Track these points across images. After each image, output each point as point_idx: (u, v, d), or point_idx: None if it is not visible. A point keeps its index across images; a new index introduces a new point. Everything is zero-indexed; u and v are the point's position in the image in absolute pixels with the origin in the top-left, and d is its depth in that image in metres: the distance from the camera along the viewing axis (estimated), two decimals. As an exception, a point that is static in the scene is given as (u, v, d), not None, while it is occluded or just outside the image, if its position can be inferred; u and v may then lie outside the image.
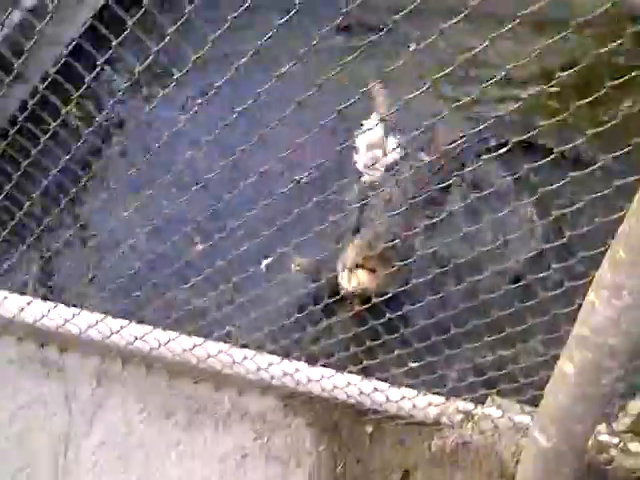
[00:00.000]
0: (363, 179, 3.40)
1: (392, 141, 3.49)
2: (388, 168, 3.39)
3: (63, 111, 1.69)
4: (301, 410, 2.64)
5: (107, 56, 1.51)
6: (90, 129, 1.74)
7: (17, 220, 2.23)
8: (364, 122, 3.54)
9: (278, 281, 2.02)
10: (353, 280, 2.90)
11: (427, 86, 1.25)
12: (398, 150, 3.38)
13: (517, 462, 2.11)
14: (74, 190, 1.95)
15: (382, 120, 3.39)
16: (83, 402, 2.79)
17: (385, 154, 3.43)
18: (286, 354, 2.44)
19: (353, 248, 2.94)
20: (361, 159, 3.51)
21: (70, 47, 3.82)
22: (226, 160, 1.58)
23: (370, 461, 2.50)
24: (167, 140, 1.56)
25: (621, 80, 1.26)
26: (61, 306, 2.67)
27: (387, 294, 2.00)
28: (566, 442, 1.72)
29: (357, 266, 2.89)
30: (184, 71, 1.40)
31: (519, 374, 2.04)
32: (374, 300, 2.00)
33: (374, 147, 3.48)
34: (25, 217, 2.22)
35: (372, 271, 2.88)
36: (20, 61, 1.75)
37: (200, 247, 2.83)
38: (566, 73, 1.21)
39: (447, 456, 2.34)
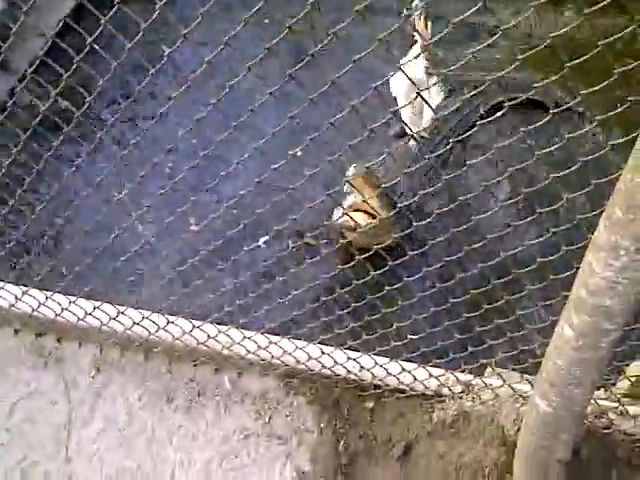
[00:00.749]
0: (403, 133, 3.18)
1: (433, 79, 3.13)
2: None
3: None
4: (301, 388, 2.65)
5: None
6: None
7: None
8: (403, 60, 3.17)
9: (275, 259, 2.01)
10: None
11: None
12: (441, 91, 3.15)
13: (518, 430, 2.12)
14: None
15: (425, 51, 3.02)
16: (83, 391, 2.80)
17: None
18: (286, 332, 2.44)
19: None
20: (404, 108, 2.88)
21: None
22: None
23: (372, 436, 2.52)
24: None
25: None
26: (57, 295, 2.66)
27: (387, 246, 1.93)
28: (566, 407, 1.74)
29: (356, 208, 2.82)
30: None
31: (519, 342, 2.06)
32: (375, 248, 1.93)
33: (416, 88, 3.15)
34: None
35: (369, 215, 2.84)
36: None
37: (196, 228, 2.82)
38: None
39: (448, 427, 2.36)
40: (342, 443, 2.52)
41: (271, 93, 1.38)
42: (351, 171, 2.94)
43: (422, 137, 3.15)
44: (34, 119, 1.87)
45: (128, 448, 2.66)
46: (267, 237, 3.01)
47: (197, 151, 1.66)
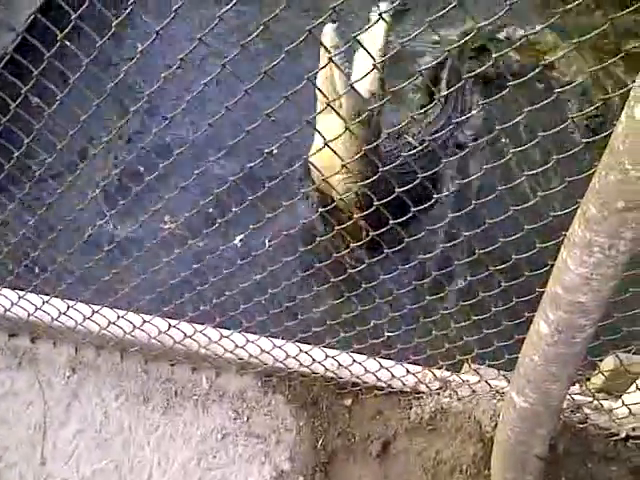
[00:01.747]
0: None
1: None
2: None
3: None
4: (280, 387, 2.64)
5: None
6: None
7: None
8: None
9: (250, 259, 1.99)
10: None
11: None
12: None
13: (495, 426, 2.14)
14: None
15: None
16: (58, 391, 2.76)
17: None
18: (263, 331, 2.43)
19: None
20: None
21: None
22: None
23: (350, 433, 2.51)
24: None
25: None
26: (31, 294, 2.62)
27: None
28: (542, 402, 1.75)
29: None
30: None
31: (495, 339, 2.06)
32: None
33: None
34: None
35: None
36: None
37: (170, 225, 2.79)
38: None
39: (426, 424, 2.37)
40: (321, 441, 2.52)
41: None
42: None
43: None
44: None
45: (105, 449, 2.63)
46: (242, 235, 2.99)
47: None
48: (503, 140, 3.71)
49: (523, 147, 1.51)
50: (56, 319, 2.65)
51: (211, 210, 2.77)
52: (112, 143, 3.39)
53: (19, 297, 2.61)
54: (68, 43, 1.49)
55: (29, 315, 2.68)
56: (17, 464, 2.61)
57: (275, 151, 1.48)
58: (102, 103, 1.59)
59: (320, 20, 1.27)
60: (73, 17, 1.41)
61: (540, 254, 1.66)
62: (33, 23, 3.94)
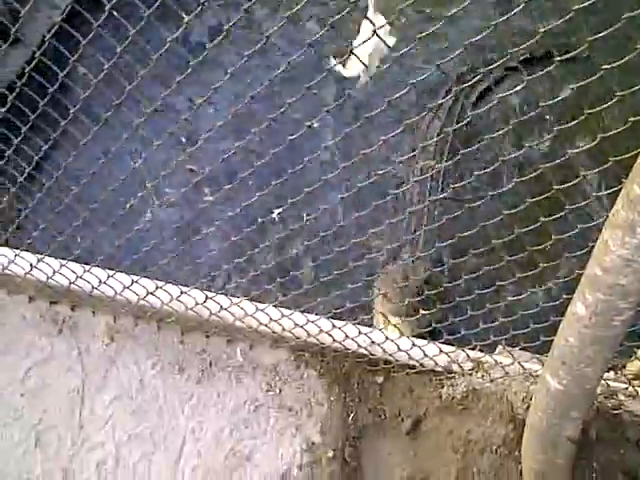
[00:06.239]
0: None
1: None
2: None
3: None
4: (312, 362, 2.67)
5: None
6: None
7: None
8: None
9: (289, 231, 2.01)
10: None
11: None
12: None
13: (527, 408, 2.13)
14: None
15: None
16: (96, 358, 2.83)
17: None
18: (297, 305, 2.45)
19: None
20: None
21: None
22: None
23: (381, 410, 2.53)
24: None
25: None
26: (72, 263, 2.68)
27: None
28: (576, 385, 1.74)
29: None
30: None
31: (530, 321, 2.05)
32: None
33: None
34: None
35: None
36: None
37: (210, 198, 2.82)
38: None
39: (457, 403, 2.37)
40: (351, 416, 2.54)
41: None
42: None
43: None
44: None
45: (140, 415, 2.70)
46: (280, 209, 3.00)
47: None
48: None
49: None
50: (96, 288, 2.71)
51: (251, 183, 2.79)
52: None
53: (61, 265, 2.68)
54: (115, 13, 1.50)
55: (70, 283, 2.75)
56: (56, 427, 2.70)
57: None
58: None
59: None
60: None
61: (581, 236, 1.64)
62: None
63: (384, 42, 1.55)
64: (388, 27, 3.61)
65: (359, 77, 3.77)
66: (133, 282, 2.58)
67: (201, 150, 1.81)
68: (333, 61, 3.53)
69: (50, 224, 2.32)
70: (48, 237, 2.59)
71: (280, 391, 2.64)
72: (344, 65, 3.67)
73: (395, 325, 2.79)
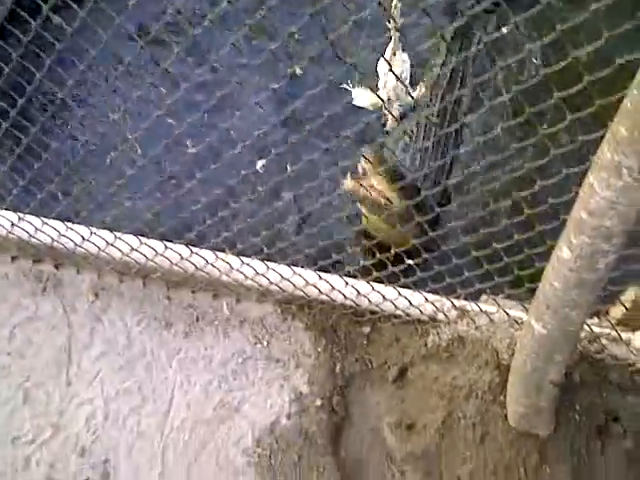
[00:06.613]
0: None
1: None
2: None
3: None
4: (299, 314, 2.68)
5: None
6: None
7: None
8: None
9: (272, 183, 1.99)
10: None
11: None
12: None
13: (512, 354, 2.16)
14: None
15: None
16: (82, 315, 2.82)
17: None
18: (283, 258, 2.45)
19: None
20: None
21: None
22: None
23: (368, 360, 2.56)
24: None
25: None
26: (54, 221, 2.64)
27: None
28: (560, 328, 1.76)
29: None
30: None
31: (515, 268, 2.06)
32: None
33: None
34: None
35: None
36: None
37: (193, 149, 2.78)
38: None
39: (443, 351, 2.40)
40: (338, 366, 2.57)
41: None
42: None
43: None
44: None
45: (128, 371, 2.70)
46: (264, 160, 2.96)
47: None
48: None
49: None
50: (79, 245, 2.69)
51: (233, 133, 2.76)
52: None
53: (43, 223, 2.65)
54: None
55: (53, 241, 2.72)
56: (44, 384, 2.69)
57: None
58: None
59: None
60: None
61: (566, 181, 1.63)
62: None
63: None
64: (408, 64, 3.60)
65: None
66: (116, 238, 2.56)
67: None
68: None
69: (30, 182, 2.27)
70: (29, 196, 2.55)
71: (267, 343, 2.66)
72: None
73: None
